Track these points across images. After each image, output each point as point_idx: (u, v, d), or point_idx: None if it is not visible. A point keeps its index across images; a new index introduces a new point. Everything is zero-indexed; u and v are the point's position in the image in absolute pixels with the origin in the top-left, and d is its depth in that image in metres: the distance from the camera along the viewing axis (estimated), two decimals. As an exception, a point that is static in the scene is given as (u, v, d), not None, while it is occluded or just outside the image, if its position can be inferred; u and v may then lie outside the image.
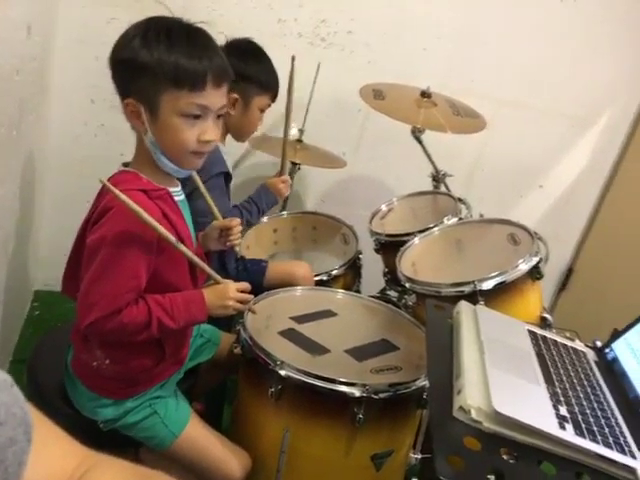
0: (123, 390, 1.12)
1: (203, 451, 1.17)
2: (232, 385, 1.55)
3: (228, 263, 1.60)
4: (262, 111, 1.61)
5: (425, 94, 1.83)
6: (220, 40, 1.06)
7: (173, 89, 0.96)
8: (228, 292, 1.11)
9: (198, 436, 1.17)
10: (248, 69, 1.52)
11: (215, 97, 1.00)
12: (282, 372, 1.13)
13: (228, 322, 1.67)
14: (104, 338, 1.07)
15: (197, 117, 1.00)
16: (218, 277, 1.14)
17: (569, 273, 2.74)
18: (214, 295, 1.10)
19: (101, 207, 0.98)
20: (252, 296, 1.17)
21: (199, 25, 1.03)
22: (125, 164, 1.08)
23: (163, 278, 1.06)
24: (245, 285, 1.15)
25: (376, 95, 1.83)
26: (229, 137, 1.65)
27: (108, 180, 1.01)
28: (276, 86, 1.61)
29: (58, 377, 1.20)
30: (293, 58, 1.62)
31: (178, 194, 1.11)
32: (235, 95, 1.52)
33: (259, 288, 1.44)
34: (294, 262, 1.75)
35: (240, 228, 1.24)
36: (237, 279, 1.64)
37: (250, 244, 1.85)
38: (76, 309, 1.01)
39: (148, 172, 1.04)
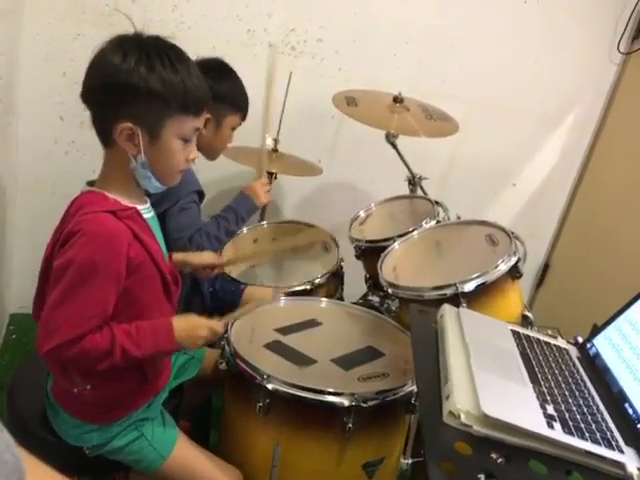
0: (107, 415, 1.10)
1: (193, 471, 1.15)
2: (218, 400, 1.53)
3: (201, 283, 1.59)
4: (233, 129, 1.61)
5: (397, 99, 1.84)
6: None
7: (180, 114, 0.98)
8: (199, 326, 1.08)
9: (187, 456, 1.16)
10: (222, 89, 1.52)
11: (203, 119, 1.06)
12: (269, 386, 1.12)
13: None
14: (63, 365, 1.05)
15: (189, 139, 1.03)
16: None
17: (545, 268, 2.78)
18: (183, 325, 1.06)
19: (68, 230, 0.96)
20: (222, 330, 1.13)
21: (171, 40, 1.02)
22: (89, 182, 1.05)
23: (136, 298, 1.04)
24: (217, 328, 1.11)
25: (349, 102, 1.84)
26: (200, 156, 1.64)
27: (73, 201, 1.02)
28: (247, 105, 1.62)
29: (39, 404, 1.17)
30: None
31: (147, 211, 1.10)
32: (207, 115, 1.51)
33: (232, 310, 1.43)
34: (273, 291, 1.70)
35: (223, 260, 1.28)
36: (212, 299, 1.64)
37: (230, 256, 1.83)
38: (37, 334, 0.98)
39: (117, 190, 1.02)
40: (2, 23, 1.59)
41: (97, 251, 0.94)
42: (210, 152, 1.62)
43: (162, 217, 1.44)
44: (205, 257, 1.30)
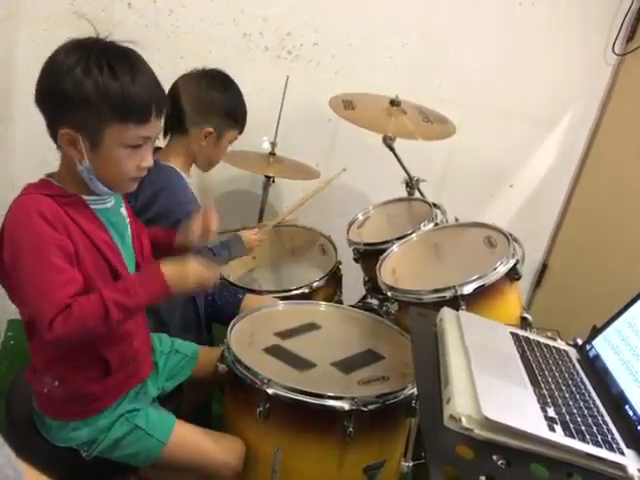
0: (84, 408, 1.09)
1: (196, 448, 1.16)
2: (218, 406, 1.53)
3: (197, 296, 1.58)
4: (230, 143, 1.61)
5: (394, 102, 1.85)
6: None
7: (119, 123, 0.95)
8: (188, 273, 1.03)
9: (187, 435, 1.17)
10: (225, 103, 1.53)
11: (157, 127, 1.02)
12: (269, 390, 1.12)
13: (208, 337, 1.65)
14: (73, 341, 1.02)
15: (138, 146, 1.00)
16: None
17: (543, 269, 2.79)
18: (173, 272, 1.02)
19: (8, 213, 0.97)
20: (215, 276, 1.06)
21: (130, 45, 1.00)
22: (48, 174, 1.05)
23: (90, 284, 1.01)
24: (210, 274, 1.05)
25: (346, 105, 1.84)
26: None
27: (23, 189, 1.01)
28: (245, 119, 1.62)
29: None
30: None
31: (98, 202, 1.06)
32: (210, 129, 1.51)
33: (232, 319, 1.43)
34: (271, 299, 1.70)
35: (215, 216, 1.19)
36: (210, 308, 1.64)
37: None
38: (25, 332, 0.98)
39: (66, 182, 1.02)
40: (-2, 29, 1.59)
41: (35, 225, 0.94)
42: (205, 164, 1.61)
43: (151, 207, 1.42)
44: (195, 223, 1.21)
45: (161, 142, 1.53)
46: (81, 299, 0.95)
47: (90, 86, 0.92)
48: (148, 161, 1.03)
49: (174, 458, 1.15)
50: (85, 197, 1.04)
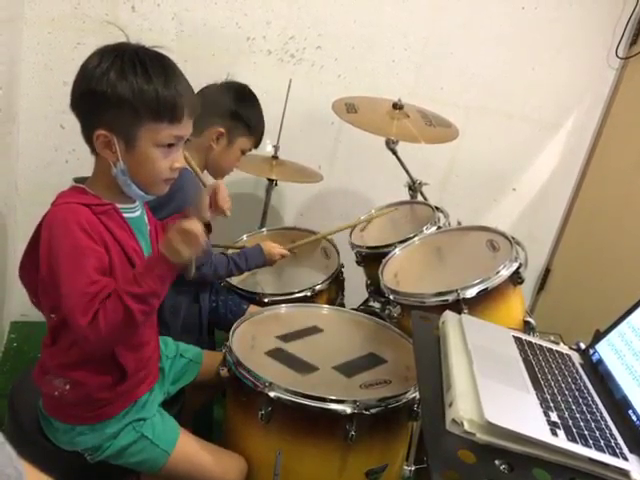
0: (93, 413, 1.09)
1: (198, 462, 1.15)
2: (220, 410, 1.53)
3: (202, 299, 1.58)
4: (243, 153, 1.61)
5: (397, 106, 1.85)
6: (181, 66, 1.05)
7: (153, 122, 0.97)
8: (173, 238, 0.98)
9: (191, 448, 1.16)
10: (241, 109, 1.54)
11: (188, 127, 1.03)
12: (271, 394, 1.11)
13: (209, 340, 1.66)
14: (49, 368, 1.06)
15: (170, 146, 1.01)
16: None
17: (546, 273, 2.78)
18: (164, 247, 0.98)
19: (45, 222, 0.98)
20: (200, 230, 0.99)
21: (160, 50, 1.02)
22: (76, 179, 1.06)
23: None
24: (190, 225, 0.98)
25: (349, 109, 1.84)
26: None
27: (58, 196, 1.02)
28: (262, 134, 1.62)
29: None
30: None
31: (130, 211, 1.08)
32: (221, 129, 1.51)
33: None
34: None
35: (226, 190, 1.16)
36: (212, 314, 1.63)
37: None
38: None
39: (100, 189, 1.03)
40: (2, 32, 1.60)
41: (75, 235, 0.95)
42: (216, 170, 1.61)
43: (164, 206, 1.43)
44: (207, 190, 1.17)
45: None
46: (104, 304, 0.96)
47: (125, 87, 0.94)
48: (180, 162, 1.04)
49: (176, 469, 1.15)
50: (119, 206, 1.05)
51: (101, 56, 0.96)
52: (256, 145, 1.63)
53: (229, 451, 1.21)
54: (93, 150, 1.01)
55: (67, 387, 1.07)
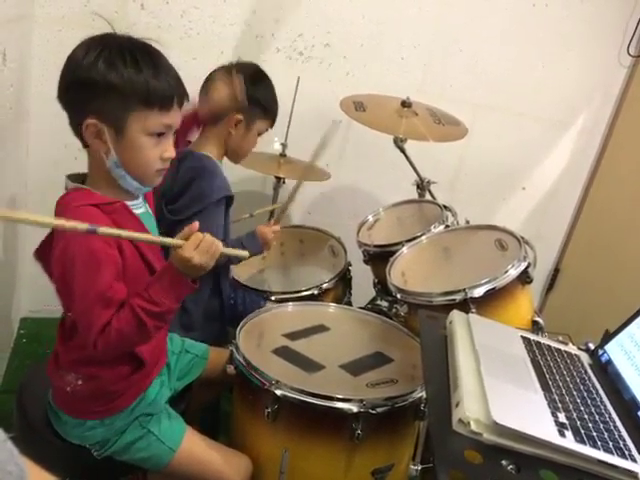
0: (105, 407, 1.10)
1: (202, 461, 1.16)
2: (226, 404, 1.53)
3: (223, 289, 1.58)
4: (259, 134, 1.61)
5: (406, 104, 1.84)
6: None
7: (143, 109, 0.96)
8: (185, 254, 0.96)
9: (196, 447, 1.17)
10: (257, 93, 1.53)
11: (178, 116, 1.03)
12: (278, 392, 1.11)
13: (217, 337, 1.66)
14: (63, 363, 1.07)
15: (160, 135, 1.00)
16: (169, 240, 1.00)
17: (556, 273, 2.76)
18: (178, 262, 0.98)
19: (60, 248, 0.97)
20: (218, 244, 1.00)
21: (150, 42, 1.02)
22: (70, 176, 1.06)
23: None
24: (199, 236, 0.99)
25: (357, 107, 1.83)
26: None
27: (61, 198, 1.03)
28: (276, 113, 1.62)
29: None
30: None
31: (138, 207, 1.09)
32: (239, 116, 1.52)
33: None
34: None
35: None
36: (230, 311, 1.64)
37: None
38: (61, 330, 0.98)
39: (103, 188, 1.03)
40: (13, 31, 1.61)
41: (90, 242, 0.95)
42: (235, 155, 1.62)
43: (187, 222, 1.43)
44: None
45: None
46: (118, 315, 0.97)
47: (114, 75, 0.94)
48: (170, 152, 1.03)
49: (181, 467, 1.15)
50: (128, 202, 1.05)
51: (88, 47, 0.96)
52: (272, 124, 1.63)
53: (235, 450, 1.22)
54: (84, 143, 1.01)
55: (79, 382, 1.08)
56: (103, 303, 0.97)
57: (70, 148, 2.05)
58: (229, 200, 1.53)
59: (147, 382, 1.15)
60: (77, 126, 0.98)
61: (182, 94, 1.02)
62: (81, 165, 2.01)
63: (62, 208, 1.00)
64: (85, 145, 1.02)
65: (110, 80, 0.93)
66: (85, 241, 0.95)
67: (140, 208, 1.10)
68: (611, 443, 0.80)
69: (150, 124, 0.98)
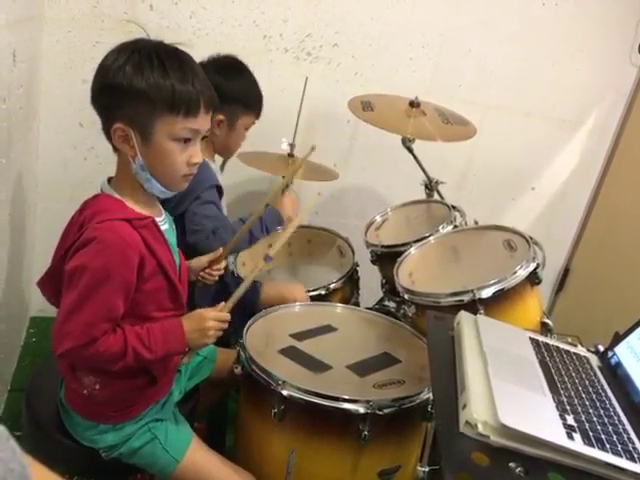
0: (119, 413, 1.11)
1: (207, 476, 1.15)
2: (233, 403, 1.53)
3: (229, 285, 1.58)
4: (246, 129, 1.61)
5: (414, 104, 1.83)
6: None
7: (169, 114, 0.97)
8: (205, 318, 1.07)
9: (200, 460, 1.16)
10: (234, 89, 1.51)
11: (205, 121, 1.03)
12: (284, 392, 1.11)
13: (225, 337, 1.66)
14: (73, 367, 1.08)
15: (187, 141, 1.01)
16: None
17: (565, 274, 2.74)
18: (191, 323, 1.06)
19: (85, 236, 0.97)
20: (228, 316, 1.10)
21: (179, 47, 1.02)
22: (109, 179, 1.07)
23: (141, 309, 1.05)
24: (223, 315, 1.09)
25: (365, 107, 1.83)
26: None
27: (88, 202, 1.04)
28: (260, 104, 1.60)
29: (57, 406, 1.18)
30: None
31: (162, 223, 1.11)
32: (220, 117, 1.51)
33: (254, 308, 1.43)
34: (289, 284, 1.71)
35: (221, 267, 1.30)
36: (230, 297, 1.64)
37: (246, 261, 1.84)
38: (52, 337, 0.99)
39: (132, 198, 1.04)
40: (22, 31, 1.62)
41: (111, 259, 0.96)
42: (224, 152, 1.62)
43: (182, 219, 1.44)
44: (203, 259, 1.29)
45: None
46: (109, 338, 0.98)
47: (141, 80, 0.95)
48: (198, 157, 1.04)
49: (185, 478, 1.15)
50: (157, 218, 1.07)
51: (118, 52, 0.97)
52: (257, 116, 1.61)
53: (238, 467, 1.20)
54: (114, 147, 1.03)
55: (97, 387, 1.08)
56: (100, 319, 0.97)
57: (79, 149, 2.08)
58: (219, 189, 1.54)
59: (160, 395, 1.16)
60: (107, 130, 1.00)
61: (210, 99, 1.02)
62: (91, 165, 2.04)
63: (95, 214, 1.00)
64: (114, 149, 1.03)
65: (136, 84, 0.95)
66: (104, 256, 0.95)
67: (165, 224, 1.11)
68: (620, 446, 0.79)
69: (176, 129, 0.99)
